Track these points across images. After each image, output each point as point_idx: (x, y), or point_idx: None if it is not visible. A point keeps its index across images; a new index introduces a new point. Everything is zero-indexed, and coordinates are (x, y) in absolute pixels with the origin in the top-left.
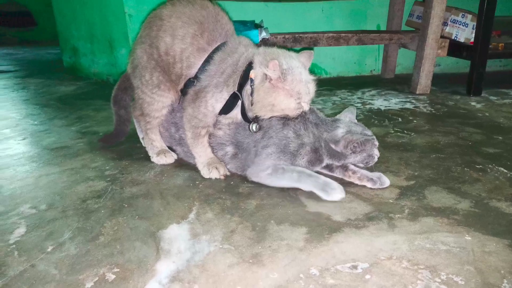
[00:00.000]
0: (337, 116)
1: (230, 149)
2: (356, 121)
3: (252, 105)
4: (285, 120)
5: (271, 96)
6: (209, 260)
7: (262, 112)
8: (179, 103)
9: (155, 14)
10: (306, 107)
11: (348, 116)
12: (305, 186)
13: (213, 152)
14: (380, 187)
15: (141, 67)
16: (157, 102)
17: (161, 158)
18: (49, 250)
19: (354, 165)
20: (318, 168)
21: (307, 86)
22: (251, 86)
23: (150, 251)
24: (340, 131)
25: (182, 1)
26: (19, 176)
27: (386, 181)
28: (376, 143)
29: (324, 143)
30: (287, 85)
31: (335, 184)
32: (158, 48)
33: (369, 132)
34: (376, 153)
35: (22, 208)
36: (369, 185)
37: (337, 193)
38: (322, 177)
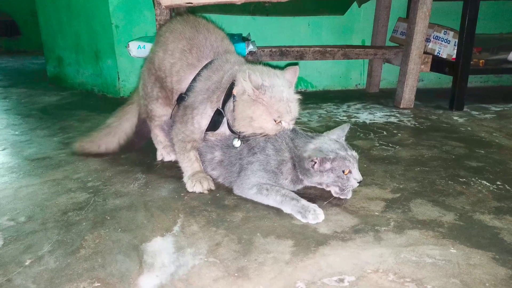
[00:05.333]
0: (325, 133)
1: (218, 154)
2: (343, 138)
3: (234, 120)
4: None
5: (250, 108)
6: (194, 274)
7: (242, 127)
8: (170, 118)
9: (159, 31)
10: (287, 127)
11: (336, 133)
12: (286, 208)
13: (202, 156)
14: (342, 197)
15: (143, 80)
16: (157, 111)
17: (168, 154)
18: (27, 263)
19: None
20: (300, 187)
21: (288, 105)
22: (233, 102)
23: (132, 265)
24: (309, 147)
25: (178, 18)
26: None
27: (349, 193)
28: (349, 164)
29: (297, 159)
30: (265, 99)
31: (311, 207)
32: (153, 63)
33: (342, 152)
34: (356, 176)
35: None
36: (333, 191)
37: (313, 217)
38: (302, 201)
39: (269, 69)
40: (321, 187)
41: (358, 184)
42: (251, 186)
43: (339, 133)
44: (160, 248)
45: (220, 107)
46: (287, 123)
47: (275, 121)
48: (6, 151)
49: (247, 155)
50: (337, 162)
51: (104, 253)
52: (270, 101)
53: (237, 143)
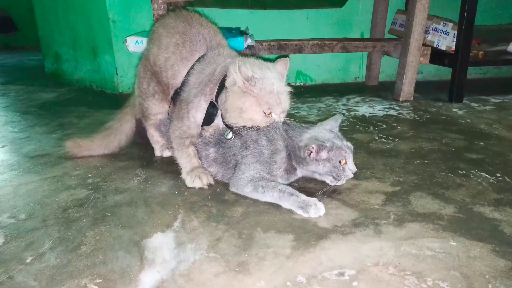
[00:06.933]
0: (318, 124)
1: (212, 151)
2: (337, 129)
3: (225, 112)
4: (257, 130)
5: (240, 100)
6: (195, 269)
7: (233, 119)
8: (168, 114)
9: (153, 27)
10: (278, 119)
11: (330, 124)
12: (285, 204)
13: (198, 153)
14: (338, 183)
15: (139, 77)
16: (153, 109)
17: (165, 151)
18: (28, 261)
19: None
20: (294, 178)
21: (278, 97)
22: (225, 94)
23: (133, 261)
24: (305, 136)
25: (171, 14)
26: None
27: (343, 180)
28: (345, 154)
29: (292, 148)
30: (255, 91)
31: (312, 201)
32: (149, 59)
33: (338, 142)
34: (351, 167)
35: (0, 217)
36: (327, 180)
37: (315, 211)
38: (302, 195)
39: (261, 62)
40: (313, 177)
41: (352, 175)
42: (246, 183)
43: (333, 124)
44: (161, 243)
45: (214, 99)
46: (277, 115)
47: (265, 113)
48: (5, 148)
49: (241, 150)
50: (333, 152)
51: (105, 250)
52: (260, 93)
53: (229, 135)
